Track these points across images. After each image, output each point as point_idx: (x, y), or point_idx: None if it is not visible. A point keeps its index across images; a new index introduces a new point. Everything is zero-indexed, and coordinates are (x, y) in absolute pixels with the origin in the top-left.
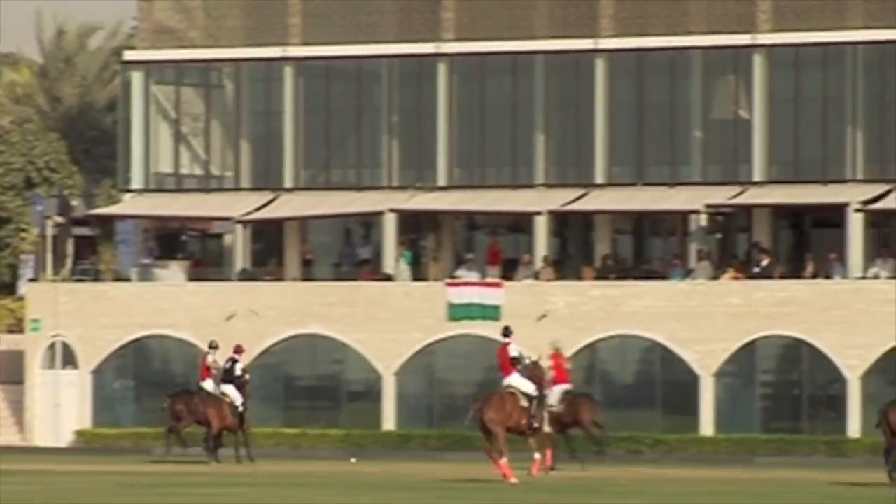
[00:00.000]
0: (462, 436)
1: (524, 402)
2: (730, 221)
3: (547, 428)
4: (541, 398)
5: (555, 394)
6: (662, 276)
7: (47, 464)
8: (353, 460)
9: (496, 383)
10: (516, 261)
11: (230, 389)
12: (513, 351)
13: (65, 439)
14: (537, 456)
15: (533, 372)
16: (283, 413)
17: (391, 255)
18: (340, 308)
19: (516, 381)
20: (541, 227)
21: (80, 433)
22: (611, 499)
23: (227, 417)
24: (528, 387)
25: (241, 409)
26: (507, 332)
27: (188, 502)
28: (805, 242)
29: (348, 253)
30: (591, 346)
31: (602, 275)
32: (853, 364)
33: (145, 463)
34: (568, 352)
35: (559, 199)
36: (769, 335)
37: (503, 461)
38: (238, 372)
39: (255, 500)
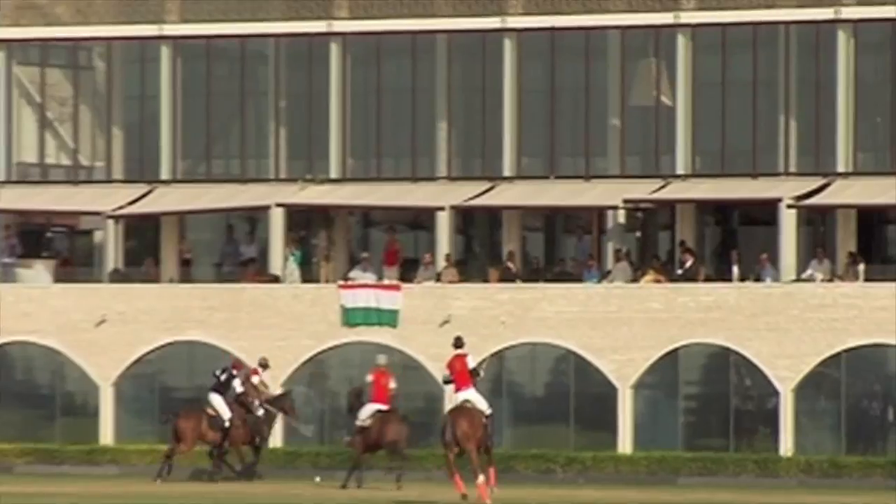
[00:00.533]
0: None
1: (484, 420)
2: (650, 218)
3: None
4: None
5: (366, 411)
6: (576, 279)
7: None
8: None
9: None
10: (416, 261)
11: (218, 401)
12: (471, 363)
13: None
14: (482, 478)
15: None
16: (160, 428)
17: (278, 255)
18: (222, 312)
19: (474, 395)
20: (443, 223)
21: None
22: None
23: (206, 433)
24: (484, 403)
25: (226, 424)
26: (459, 342)
27: None
28: (733, 241)
29: (231, 252)
30: (497, 355)
31: (510, 277)
32: (785, 375)
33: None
34: (473, 360)
35: (463, 194)
36: (693, 343)
37: (481, 481)
38: (238, 388)
39: None
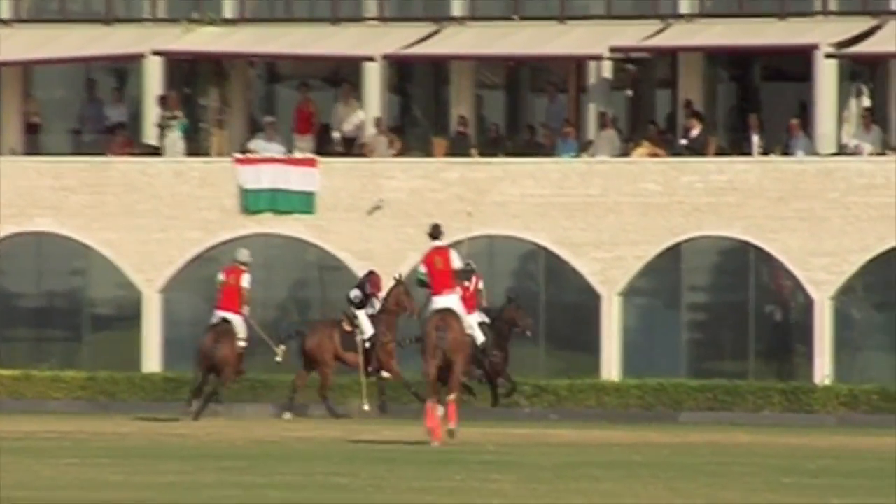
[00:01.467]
0: (260, 382)
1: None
2: (645, 72)
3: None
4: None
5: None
6: (548, 152)
7: None
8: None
9: (309, 305)
10: (343, 137)
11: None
12: (456, 260)
13: None
14: (441, 410)
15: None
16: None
17: (154, 119)
18: (81, 195)
19: (458, 306)
20: (372, 78)
21: None
22: (470, 472)
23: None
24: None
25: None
26: (437, 232)
27: None
28: (754, 103)
29: (92, 115)
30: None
31: (461, 149)
32: (822, 279)
33: None
34: (410, 260)
35: (399, 40)
36: (701, 237)
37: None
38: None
39: None
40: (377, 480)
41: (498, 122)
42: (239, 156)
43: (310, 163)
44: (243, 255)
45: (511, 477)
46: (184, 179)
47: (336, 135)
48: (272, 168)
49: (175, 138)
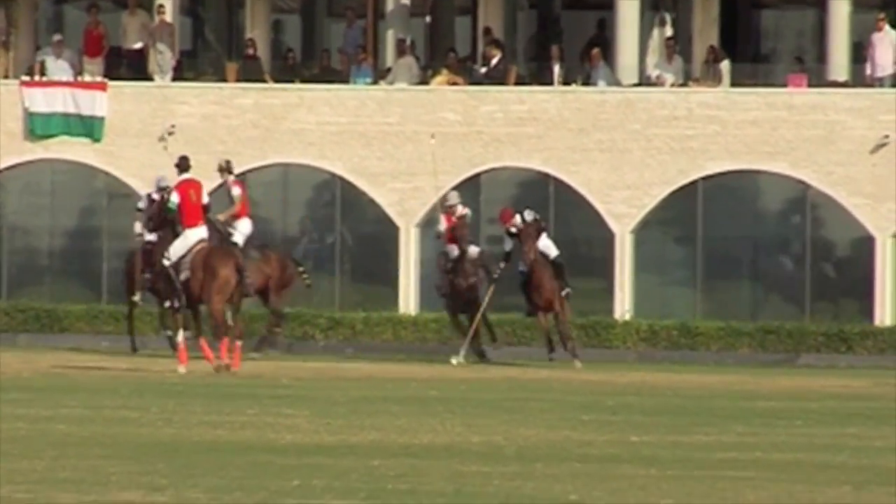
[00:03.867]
0: (45, 311)
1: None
2: None
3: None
4: None
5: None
6: (345, 79)
7: None
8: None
9: (94, 232)
10: (126, 51)
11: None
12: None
13: None
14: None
15: None
16: None
17: None
18: None
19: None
20: (165, 0)
21: None
22: (263, 406)
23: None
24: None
25: None
26: (185, 164)
27: None
28: (555, 31)
29: None
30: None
31: (254, 75)
32: (623, 212)
33: None
34: (206, 187)
35: None
36: (501, 168)
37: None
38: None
39: None
40: (167, 414)
41: (294, 47)
42: (26, 78)
43: (99, 86)
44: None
45: (305, 412)
46: None
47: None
48: (60, 92)
49: None
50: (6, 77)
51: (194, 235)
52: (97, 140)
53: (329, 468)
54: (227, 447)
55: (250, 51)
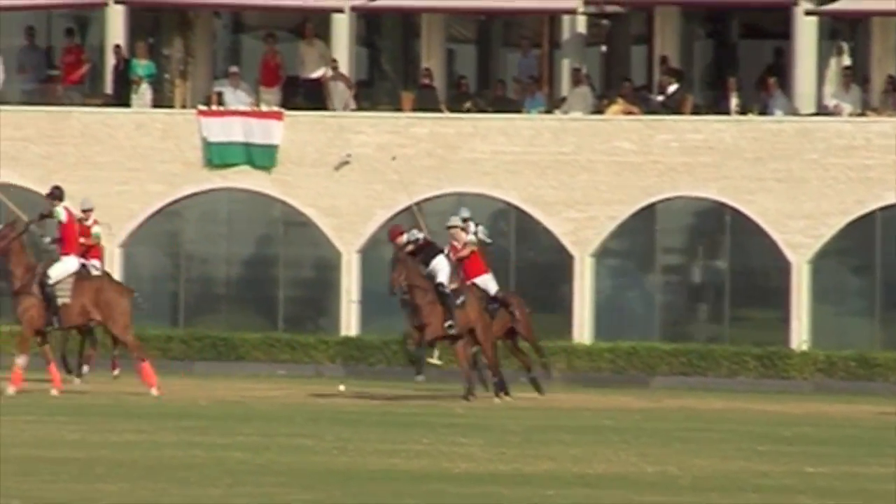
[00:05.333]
0: (221, 339)
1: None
2: (620, 28)
3: None
4: None
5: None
6: (519, 108)
7: None
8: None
9: (271, 260)
10: (303, 80)
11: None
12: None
13: None
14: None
15: None
16: None
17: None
18: (40, 146)
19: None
20: (340, 30)
21: None
22: (438, 435)
23: None
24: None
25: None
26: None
27: None
28: (731, 60)
29: (36, 61)
30: (411, 209)
31: (430, 104)
32: (800, 242)
33: None
34: (377, 217)
35: None
36: (676, 197)
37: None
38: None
39: None
40: (342, 442)
41: (468, 76)
42: (203, 108)
43: (275, 116)
44: (88, 203)
45: (479, 441)
46: (146, 131)
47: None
48: (236, 121)
49: (144, 89)
50: (184, 107)
51: (73, 264)
52: (271, 168)
53: (503, 497)
54: (402, 476)
55: (426, 80)
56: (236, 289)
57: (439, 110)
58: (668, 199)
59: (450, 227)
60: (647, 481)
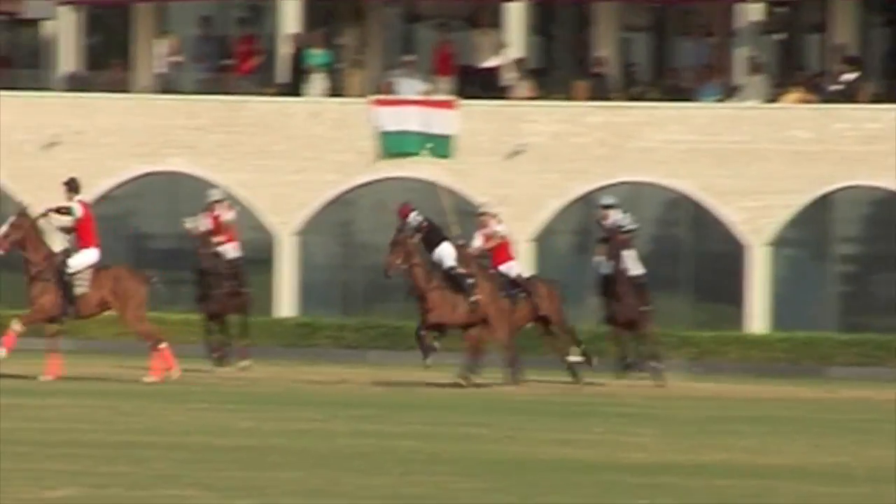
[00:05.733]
0: (394, 328)
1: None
2: (796, 15)
3: None
4: None
5: None
6: (692, 97)
7: None
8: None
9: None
10: (477, 69)
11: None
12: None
13: None
14: None
15: None
16: None
17: (285, 58)
18: (216, 134)
19: None
20: (515, 19)
21: None
22: (611, 425)
23: None
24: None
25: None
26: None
27: None
28: None
29: (210, 51)
30: (585, 199)
31: (603, 93)
32: None
33: None
34: (550, 207)
35: None
36: (853, 186)
37: None
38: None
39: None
40: (513, 431)
41: (641, 64)
42: (377, 97)
43: (449, 105)
44: (216, 193)
45: (652, 431)
46: (319, 121)
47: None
48: (410, 110)
49: (316, 79)
50: (357, 96)
51: (93, 255)
52: (447, 158)
53: (677, 488)
54: (574, 465)
55: (599, 69)
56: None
57: (613, 99)
58: (844, 189)
59: (480, 214)
60: (821, 472)
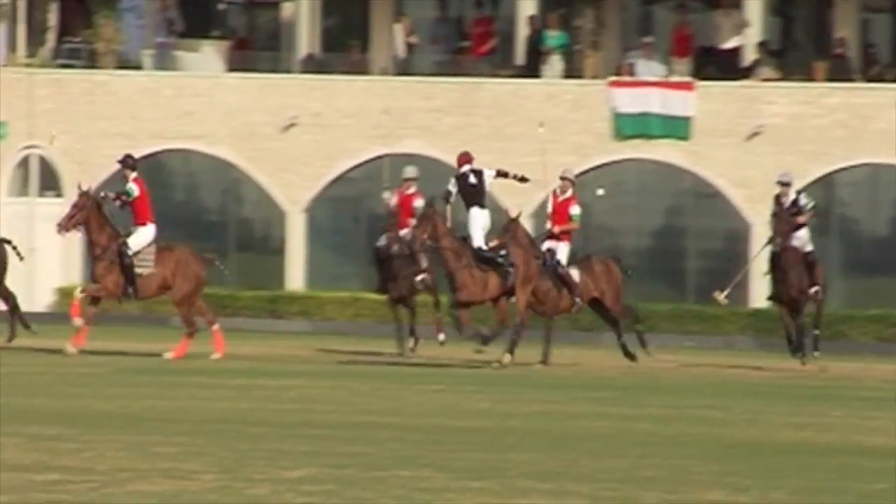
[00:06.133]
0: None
1: None
2: None
3: None
4: None
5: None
6: None
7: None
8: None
9: (680, 231)
10: (716, 50)
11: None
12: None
13: (41, 301)
14: None
15: None
16: (366, 271)
17: (522, 40)
18: (452, 116)
19: None
20: (754, 0)
21: (63, 291)
22: (849, 409)
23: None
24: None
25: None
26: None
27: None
28: None
29: (447, 33)
30: (825, 181)
31: (843, 74)
32: None
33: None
34: (795, 185)
35: None
36: None
37: None
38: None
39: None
40: (751, 414)
41: (882, 45)
42: (614, 79)
43: (687, 86)
44: (411, 171)
45: (892, 414)
46: (556, 102)
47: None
48: (647, 92)
49: (553, 60)
50: (594, 78)
51: (150, 232)
52: (684, 140)
53: None
54: (812, 449)
55: (839, 50)
56: (645, 260)
57: (853, 80)
58: None
59: (564, 178)
60: None
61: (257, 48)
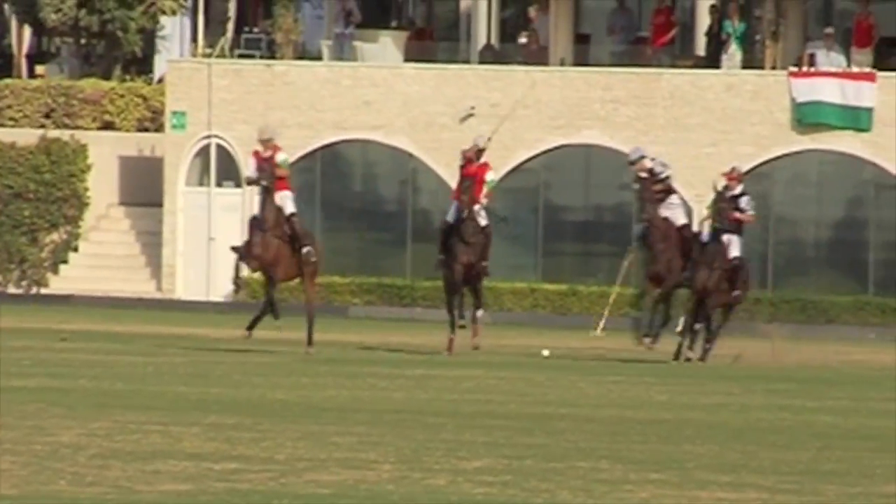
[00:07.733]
0: (810, 302)
1: None
2: None
3: None
4: None
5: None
6: None
7: (194, 326)
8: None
9: (861, 223)
10: None
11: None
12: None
13: (221, 290)
14: None
15: None
16: (543, 262)
17: (702, 30)
18: (629, 107)
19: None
20: None
21: (244, 282)
22: None
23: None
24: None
25: None
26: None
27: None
28: None
29: (623, 24)
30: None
31: None
32: None
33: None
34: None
35: None
36: None
37: None
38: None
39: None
40: None
41: None
42: (794, 69)
43: (868, 77)
44: (482, 140)
45: None
46: (736, 93)
47: None
48: (828, 82)
49: (733, 51)
50: (774, 68)
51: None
52: (865, 131)
53: None
54: None
55: None
56: (826, 251)
57: None
58: None
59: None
60: None
61: (435, 38)
